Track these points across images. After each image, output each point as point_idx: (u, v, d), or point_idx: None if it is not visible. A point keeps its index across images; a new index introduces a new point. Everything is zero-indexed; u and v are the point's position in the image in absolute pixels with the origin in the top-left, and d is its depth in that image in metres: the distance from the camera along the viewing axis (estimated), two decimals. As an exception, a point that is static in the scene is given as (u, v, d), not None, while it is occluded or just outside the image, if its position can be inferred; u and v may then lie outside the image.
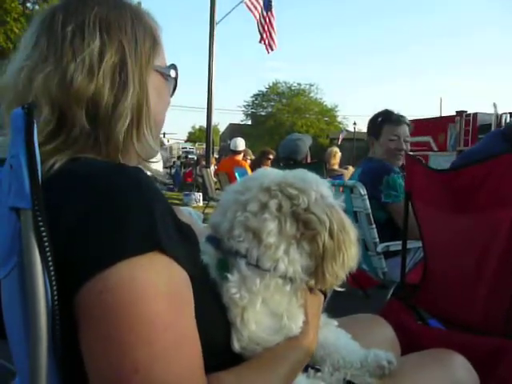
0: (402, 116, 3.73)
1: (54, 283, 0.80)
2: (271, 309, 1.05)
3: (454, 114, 21.19)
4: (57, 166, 0.90)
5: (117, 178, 0.86)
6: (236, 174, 8.41)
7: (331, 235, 1.06)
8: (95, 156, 0.98)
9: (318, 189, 1.10)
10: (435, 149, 21.33)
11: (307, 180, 1.12)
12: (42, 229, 0.79)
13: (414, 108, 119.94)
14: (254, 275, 1.04)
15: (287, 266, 1.05)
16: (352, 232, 1.10)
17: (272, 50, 15.04)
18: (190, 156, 29.06)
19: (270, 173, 1.17)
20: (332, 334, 1.25)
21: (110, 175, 0.86)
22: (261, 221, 1.07)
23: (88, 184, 0.84)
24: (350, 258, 1.08)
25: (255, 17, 14.58)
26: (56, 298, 0.80)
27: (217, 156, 22.74)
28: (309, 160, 5.87)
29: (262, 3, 14.63)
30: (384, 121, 3.68)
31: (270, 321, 1.04)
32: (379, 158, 3.65)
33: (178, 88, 1.21)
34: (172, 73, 1.14)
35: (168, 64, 1.15)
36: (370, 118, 3.83)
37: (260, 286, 1.03)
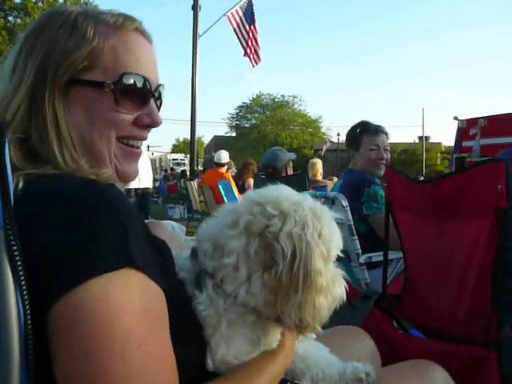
0: (379, 126, 3.79)
1: (26, 302, 0.79)
2: (242, 333, 1.02)
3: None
4: (23, 184, 0.90)
5: (87, 194, 0.86)
6: (220, 187, 8.41)
7: (291, 272, 0.95)
8: (56, 171, 0.97)
9: (304, 218, 0.99)
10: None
11: (299, 205, 1.02)
12: (15, 248, 0.79)
13: (397, 116, 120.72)
14: (218, 297, 1.00)
15: (246, 297, 0.98)
16: (322, 279, 0.97)
17: (257, 64, 15.22)
18: (181, 168, 28.64)
19: (278, 188, 1.08)
20: (311, 347, 1.25)
21: (81, 192, 0.87)
22: (226, 236, 1.01)
23: (59, 201, 0.85)
24: (309, 303, 0.97)
25: (235, 31, 14.71)
26: (29, 317, 0.79)
27: (201, 168, 22.69)
28: (291, 172, 5.92)
29: (243, 17, 14.75)
30: (362, 132, 3.73)
31: (242, 345, 1.03)
32: (360, 170, 3.68)
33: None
34: (106, 84, 1.03)
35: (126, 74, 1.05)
36: (350, 129, 3.87)
37: (223, 308, 1.00)
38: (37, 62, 1.01)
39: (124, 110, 1.06)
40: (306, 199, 1.05)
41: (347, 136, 3.87)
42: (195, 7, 14.55)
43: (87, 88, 1.04)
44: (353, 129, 3.81)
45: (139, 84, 1.08)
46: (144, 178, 6.91)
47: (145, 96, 1.10)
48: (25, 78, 1.01)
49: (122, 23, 1.08)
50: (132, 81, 1.06)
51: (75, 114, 1.03)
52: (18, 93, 1.01)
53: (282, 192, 1.06)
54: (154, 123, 1.13)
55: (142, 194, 11.14)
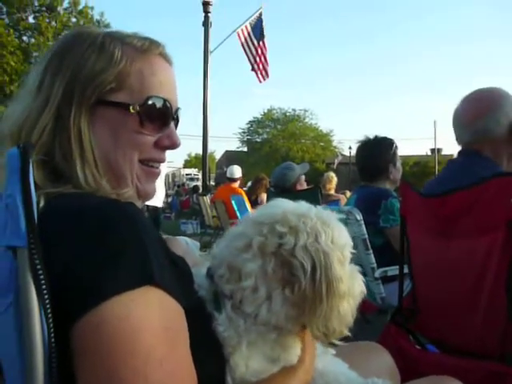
0: None
1: (50, 321, 0.80)
2: (262, 352, 1.02)
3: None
4: (43, 203, 0.91)
5: (108, 213, 0.87)
6: (232, 202, 8.42)
7: (313, 284, 0.96)
8: (76, 190, 0.99)
9: (315, 228, 1.00)
10: None
11: (306, 216, 1.03)
12: (38, 267, 0.80)
13: (408, 128, 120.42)
14: (238, 317, 1.00)
15: (268, 315, 0.99)
16: (343, 286, 0.99)
17: (264, 79, 15.33)
18: (194, 183, 28.53)
19: (280, 204, 1.09)
20: (330, 363, 1.24)
21: (103, 210, 0.88)
22: (241, 260, 1.01)
23: (80, 220, 0.86)
24: (334, 310, 0.99)
25: (242, 46, 14.86)
26: (53, 336, 0.80)
27: (214, 183, 22.72)
28: (304, 186, 5.89)
29: (251, 32, 14.90)
30: (396, 147, 3.87)
31: (262, 363, 1.02)
32: (391, 185, 3.75)
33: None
34: (135, 107, 1.05)
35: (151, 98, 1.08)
36: (381, 145, 3.89)
37: (243, 329, 0.99)
38: (64, 83, 1.03)
39: (147, 131, 1.09)
40: (309, 208, 1.06)
41: (383, 151, 3.84)
42: (206, 24, 14.68)
43: (113, 109, 1.06)
44: (390, 144, 3.86)
45: (162, 107, 1.10)
46: (159, 197, 6.91)
47: (166, 118, 1.12)
48: (52, 98, 1.02)
49: (148, 47, 1.10)
50: (156, 104, 1.09)
51: (98, 134, 1.05)
52: (44, 112, 1.02)
53: (285, 207, 1.07)
54: (173, 145, 1.15)
55: (154, 210, 11.16)
